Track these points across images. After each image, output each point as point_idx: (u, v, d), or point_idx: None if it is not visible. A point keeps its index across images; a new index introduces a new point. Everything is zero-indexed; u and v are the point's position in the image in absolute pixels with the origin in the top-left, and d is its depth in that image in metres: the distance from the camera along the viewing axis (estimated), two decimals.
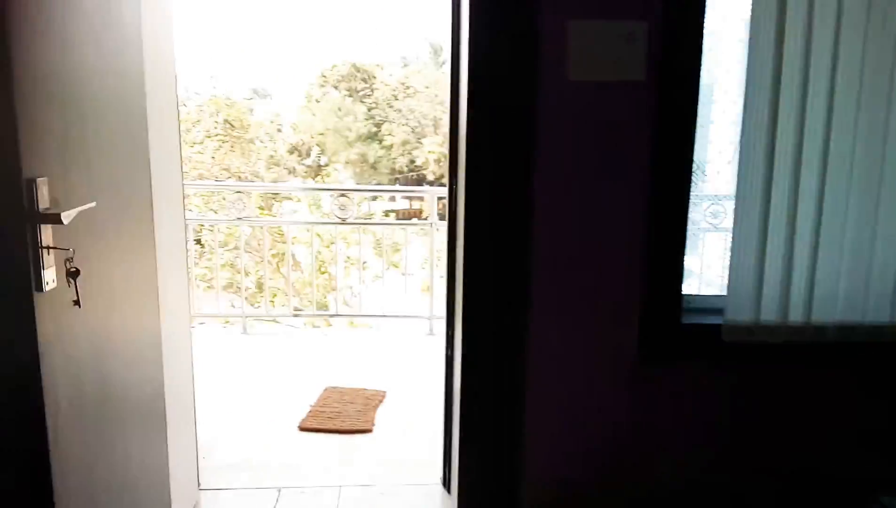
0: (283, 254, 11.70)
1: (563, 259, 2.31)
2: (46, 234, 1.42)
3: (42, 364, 1.39)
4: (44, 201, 1.41)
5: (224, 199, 13.64)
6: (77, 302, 1.48)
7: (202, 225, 7.15)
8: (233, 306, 12.31)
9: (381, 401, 3.56)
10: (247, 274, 11.88)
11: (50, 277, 1.43)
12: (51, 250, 1.43)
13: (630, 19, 2.17)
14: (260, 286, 7.54)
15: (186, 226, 2.82)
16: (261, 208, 12.46)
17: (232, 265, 8.96)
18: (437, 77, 35.74)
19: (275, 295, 12.64)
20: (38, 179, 1.39)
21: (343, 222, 4.77)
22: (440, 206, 4.88)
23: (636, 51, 2.18)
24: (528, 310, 2.31)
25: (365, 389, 3.70)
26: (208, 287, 8.73)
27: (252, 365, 4.29)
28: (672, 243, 2.33)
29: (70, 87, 1.58)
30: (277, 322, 6.22)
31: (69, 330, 1.53)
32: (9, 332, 1.39)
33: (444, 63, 41.35)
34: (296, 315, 5.12)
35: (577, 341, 2.36)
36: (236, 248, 6.82)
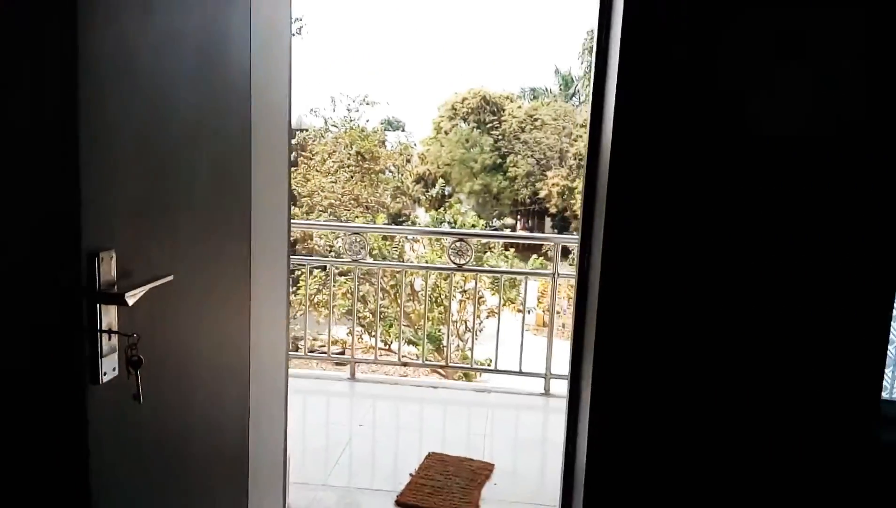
0: (400, 285, 11.74)
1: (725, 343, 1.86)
2: (108, 316, 1.22)
3: (90, 471, 1.18)
4: (108, 276, 1.21)
5: (342, 234, 14.04)
6: (137, 397, 1.27)
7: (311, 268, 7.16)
8: (343, 350, 12.53)
9: (487, 476, 3.20)
10: (364, 303, 12.08)
11: (109, 366, 1.23)
12: (112, 335, 1.23)
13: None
14: (376, 316, 7.52)
15: (290, 273, 2.65)
16: (383, 239, 12.62)
17: (352, 293, 9.02)
18: (566, 109, 35.30)
19: (390, 325, 12.69)
20: (102, 253, 1.19)
21: (459, 268, 4.50)
22: (567, 255, 4.47)
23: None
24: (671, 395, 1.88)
25: (471, 460, 3.36)
26: (325, 315, 8.87)
27: (356, 416, 4.09)
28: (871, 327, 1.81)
29: (155, 136, 1.39)
30: (383, 366, 6.04)
31: (127, 426, 1.32)
32: (56, 433, 1.19)
33: (573, 95, 40.81)
34: (404, 364, 4.89)
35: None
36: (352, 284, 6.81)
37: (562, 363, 4.53)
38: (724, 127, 1.82)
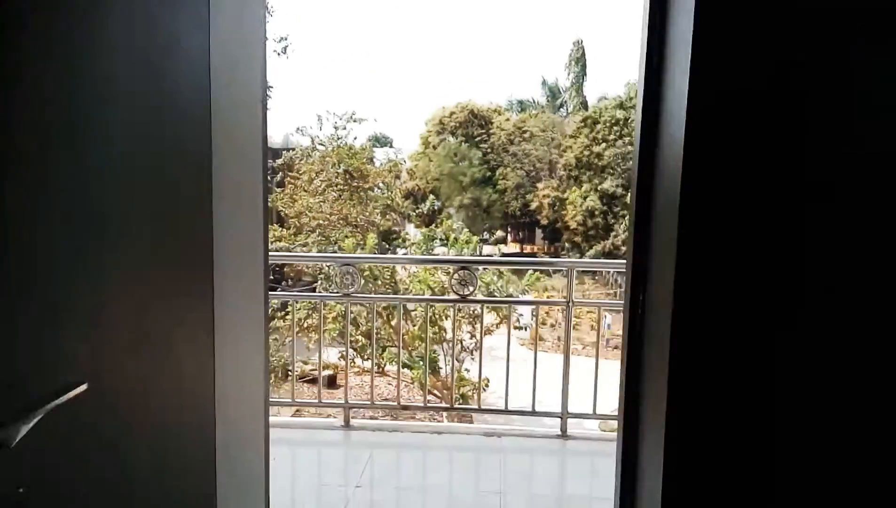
0: (393, 308, 11.31)
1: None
2: None
3: None
4: None
5: (337, 246, 13.59)
6: None
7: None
8: (334, 374, 12.05)
9: None
10: (356, 325, 11.62)
11: None
12: None
13: None
14: (368, 337, 7.09)
15: (268, 320, 2.26)
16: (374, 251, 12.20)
17: (343, 332, 8.60)
18: (554, 120, 35.15)
19: (384, 348, 12.23)
20: None
21: (464, 299, 4.09)
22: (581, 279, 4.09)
23: None
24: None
25: None
26: (315, 340, 8.44)
27: (352, 473, 3.66)
28: None
29: (55, 177, 0.99)
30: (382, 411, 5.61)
31: None
32: None
33: (560, 106, 40.75)
34: (404, 408, 4.45)
35: None
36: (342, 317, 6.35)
37: (580, 400, 4.13)
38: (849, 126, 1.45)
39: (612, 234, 26.35)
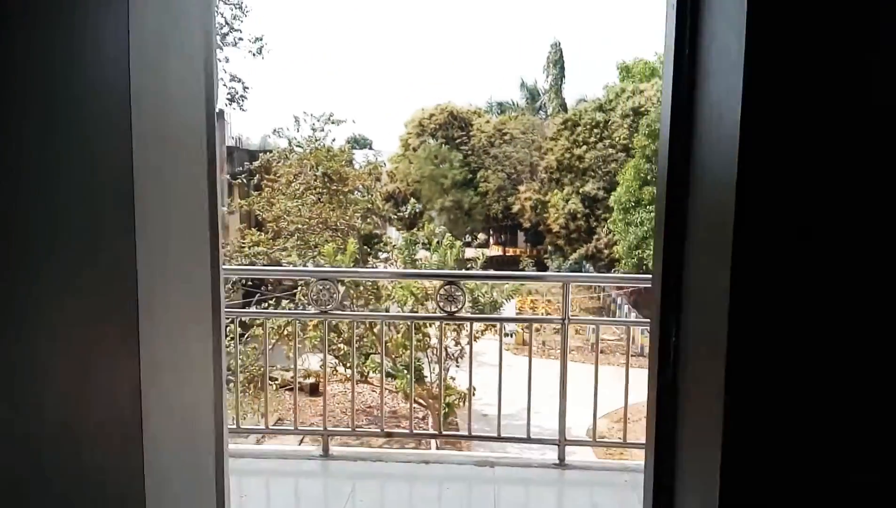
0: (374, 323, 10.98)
1: None
2: None
3: None
4: None
5: (319, 254, 13.18)
6: None
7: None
8: (317, 382, 11.64)
9: None
10: (339, 334, 11.25)
11: None
12: None
13: None
14: (349, 343, 6.77)
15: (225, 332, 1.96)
16: (354, 263, 11.84)
17: (322, 337, 8.27)
18: (534, 122, 35.01)
19: (367, 355, 11.89)
20: None
21: (451, 316, 3.78)
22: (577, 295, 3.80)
23: None
24: None
25: None
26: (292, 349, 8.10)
27: None
28: None
29: None
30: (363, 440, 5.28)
31: None
32: None
33: (540, 108, 40.71)
34: (387, 435, 4.13)
35: None
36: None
37: (574, 414, 3.86)
38: None
39: (595, 237, 26.23)
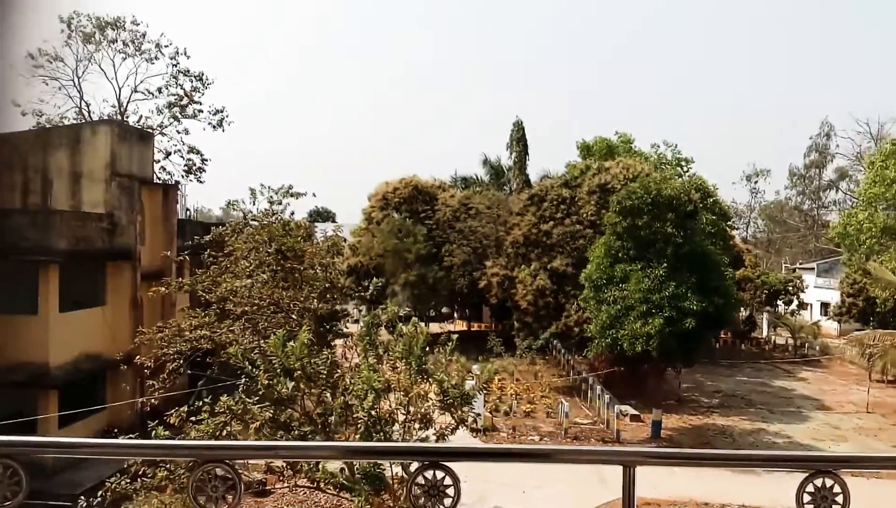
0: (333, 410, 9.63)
1: None
2: None
3: None
4: None
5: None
6: None
7: None
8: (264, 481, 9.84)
9: None
10: (287, 429, 9.80)
11: None
12: None
13: None
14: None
15: None
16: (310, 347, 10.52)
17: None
18: (499, 197, 34.66)
19: (318, 463, 10.41)
20: None
21: None
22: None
23: None
24: None
25: None
26: None
27: None
28: None
29: None
30: None
31: None
32: None
33: (503, 184, 40.64)
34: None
35: None
36: None
37: None
38: None
39: (564, 314, 25.36)
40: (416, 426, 9.57)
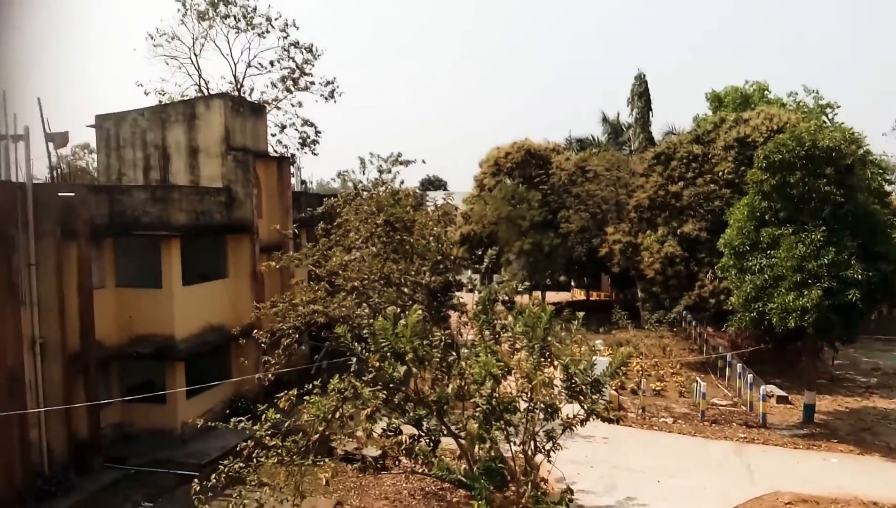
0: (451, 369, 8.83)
1: None
2: None
3: None
4: None
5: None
6: None
7: None
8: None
9: None
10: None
11: None
12: None
13: None
14: None
15: None
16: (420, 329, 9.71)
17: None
18: (619, 158, 32.34)
19: (435, 442, 9.67)
20: None
21: None
22: None
23: None
24: None
25: None
26: None
27: None
28: None
29: None
30: None
31: None
32: None
33: (623, 143, 38.02)
34: None
35: None
36: None
37: None
38: None
39: (697, 284, 23.15)
40: (541, 415, 8.55)
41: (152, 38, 30.22)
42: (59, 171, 19.70)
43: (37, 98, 16.12)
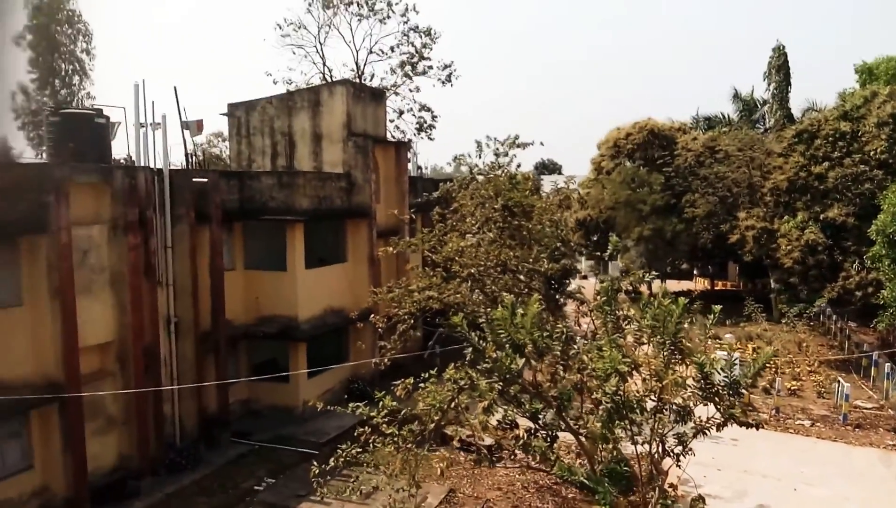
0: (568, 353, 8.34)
1: None
2: None
3: None
4: None
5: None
6: None
7: None
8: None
9: None
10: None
11: None
12: None
13: None
14: None
15: None
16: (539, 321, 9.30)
17: None
18: (752, 137, 29.88)
19: (553, 437, 9.27)
20: None
21: None
22: None
23: None
24: None
25: None
26: None
27: None
28: None
29: None
30: None
31: None
32: None
33: (757, 121, 35.09)
34: None
35: None
36: None
37: None
38: None
39: (842, 274, 20.96)
40: (671, 416, 7.92)
41: (280, 27, 31.53)
42: (194, 157, 21.00)
43: (173, 87, 17.15)
